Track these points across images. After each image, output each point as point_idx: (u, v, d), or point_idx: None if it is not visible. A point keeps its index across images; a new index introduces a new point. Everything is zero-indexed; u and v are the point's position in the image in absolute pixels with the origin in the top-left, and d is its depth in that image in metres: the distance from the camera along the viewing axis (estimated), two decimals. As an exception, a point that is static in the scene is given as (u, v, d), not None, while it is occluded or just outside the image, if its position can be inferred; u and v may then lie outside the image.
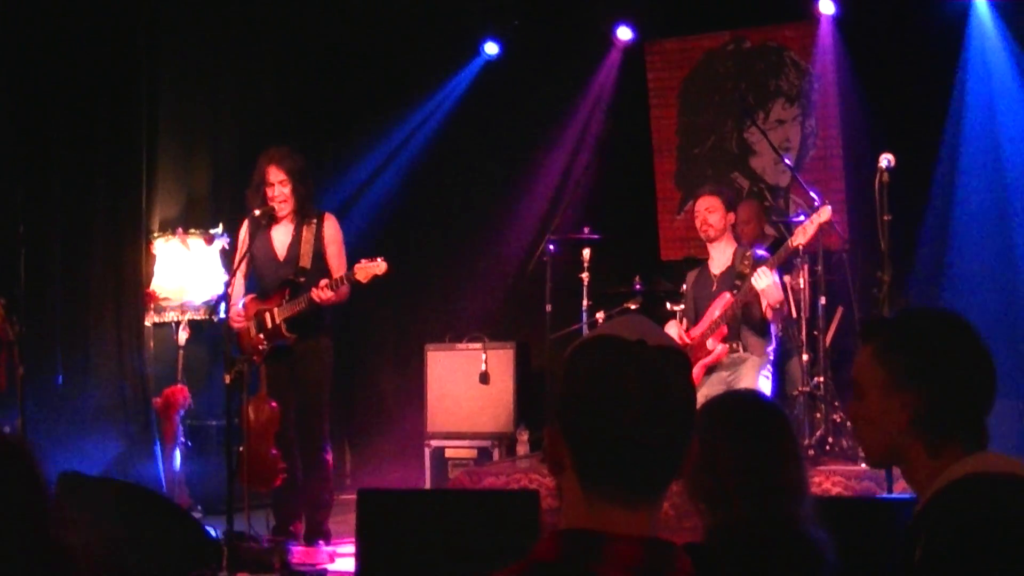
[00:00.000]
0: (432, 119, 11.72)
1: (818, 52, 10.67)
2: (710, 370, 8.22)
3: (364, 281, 7.65)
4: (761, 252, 8.34)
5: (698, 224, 8.41)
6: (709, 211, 8.31)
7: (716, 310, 8.17)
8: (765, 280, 7.82)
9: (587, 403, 1.99)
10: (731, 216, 8.41)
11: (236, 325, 7.93)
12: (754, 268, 7.98)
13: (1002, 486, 2.59)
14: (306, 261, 7.95)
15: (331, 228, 8.10)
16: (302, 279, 7.90)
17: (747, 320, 8.19)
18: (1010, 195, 9.54)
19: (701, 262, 8.73)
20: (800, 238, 7.73)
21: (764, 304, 8.02)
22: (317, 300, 7.71)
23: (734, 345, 8.18)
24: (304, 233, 8.00)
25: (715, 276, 8.40)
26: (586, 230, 9.66)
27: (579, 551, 1.96)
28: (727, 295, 8.13)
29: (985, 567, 2.47)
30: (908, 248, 9.35)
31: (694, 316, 8.47)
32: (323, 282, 7.71)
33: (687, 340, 8.21)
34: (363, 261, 7.66)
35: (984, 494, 2.58)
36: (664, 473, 2.02)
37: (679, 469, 2.04)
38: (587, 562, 1.94)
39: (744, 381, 7.95)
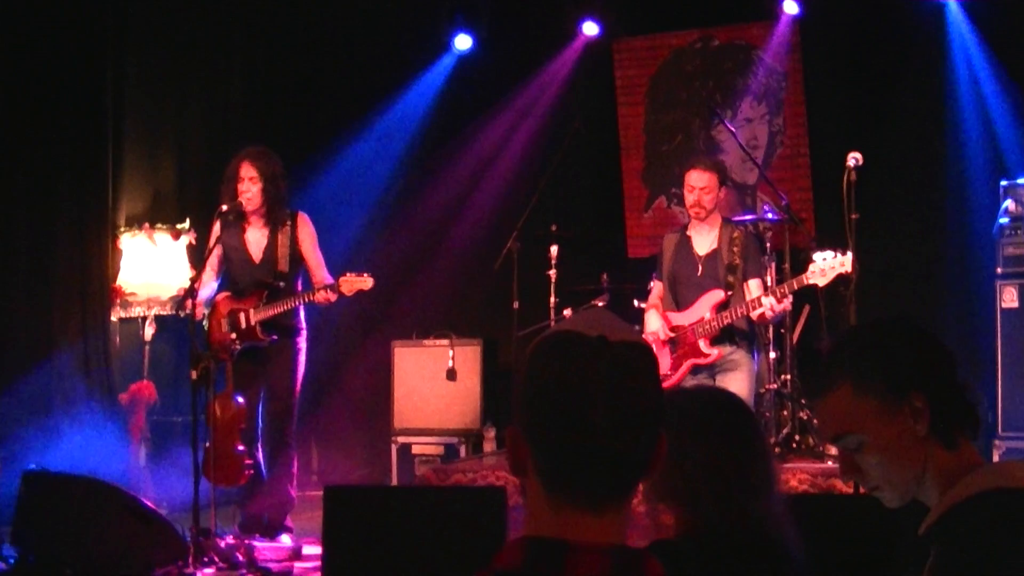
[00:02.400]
0: (399, 115, 11.68)
1: (785, 51, 10.70)
2: (696, 368, 7.90)
3: (348, 294, 7.74)
4: (750, 232, 8.10)
5: (690, 201, 7.90)
6: (705, 191, 7.82)
7: (706, 309, 7.79)
8: (776, 309, 7.60)
9: (548, 405, 1.92)
10: (723, 192, 7.99)
11: (197, 315, 7.92)
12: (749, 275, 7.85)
13: (1013, 505, 2.46)
14: (284, 265, 8.02)
15: (305, 228, 8.17)
16: (281, 284, 7.94)
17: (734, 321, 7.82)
18: (971, 194, 9.59)
19: None
20: (819, 279, 7.38)
21: (757, 316, 7.72)
22: (322, 302, 7.82)
23: (726, 345, 7.81)
24: (279, 237, 8.04)
25: (700, 257, 7.96)
26: (553, 227, 9.67)
27: (542, 561, 1.89)
28: (719, 293, 7.79)
29: None
30: (877, 247, 9.39)
31: (673, 294, 8.08)
32: (321, 287, 7.82)
33: (670, 334, 7.93)
34: (349, 275, 7.75)
35: (1005, 512, 2.45)
36: (631, 476, 1.95)
37: (647, 470, 1.97)
38: (551, 572, 1.87)
39: (734, 383, 7.61)
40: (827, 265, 7.34)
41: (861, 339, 2.71)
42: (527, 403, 1.95)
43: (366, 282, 7.74)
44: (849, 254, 7.27)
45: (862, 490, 5.92)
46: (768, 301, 7.49)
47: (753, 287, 7.76)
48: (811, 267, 7.42)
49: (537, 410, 1.94)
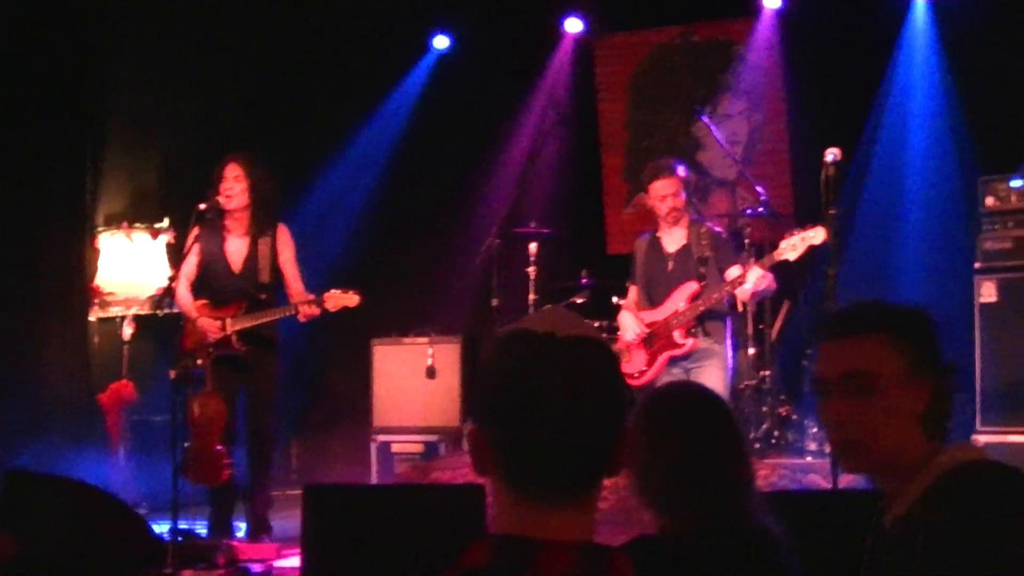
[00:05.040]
0: (380, 115, 11.70)
1: (766, 47, 10.71)
2: (672, 360, 7.96)
3: (333, 310, 7.77)
4: (716, 228, 8.21)
5: (664, 208, 8.00)
6: (674, 195, 7.98)
7: (680, 300, 7.89)
8: (763, 282, 7.63)
9: (498, 401, 1.94)
10: (685, 190, 8.11)
11: (213, 335, 7.89)
12: (727, 262, 7.94)
13: (1000, 471, 2.60)
14: (265, 276, 8.03)
15: (283, 237, 8.16)
16: (264, 296, 7.94)
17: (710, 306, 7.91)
18: (949, 189, 9.62)
19: None
20: (789, 254, 7.45)
21: (750, 295, 7.84)
22: (303, 319, 7.82)
23: (700, 337, 7.87)
24: (260, 247, 8.03)
25: (670, 254, 8.09)
26: (533, 224, 9.65)
27: (508, 560, 1.89)
28: (693, 284, 7.88)
29: (997, 550, 2.44)
30: (857, 242, 9.42)
31: (648, 294, 8.20)
32: (305, 301, 7.82)
33: (645, 330, 8.03)
34: (335, 291, 7.78)
35: (990, 478, 2.58)
36: (588, 470, 1.95)
37: (608, 466, 1.97)
38: (517, 570, 1.87)
39: (709, 377, 7.62)
40: (797, 239, 7.41)
41: (911, 310, 2.78)
42: (482, 401, 1.98)
43: (352, 299, 7.76)
44: (819, 228, 7.31)
45: (840, 484, 5.92)
46: (754, 273, 7.54)
47: (733, 272, 7.81)
48: (782, 243, 7.49)
49: (490, 406, 1.96)
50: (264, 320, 7.86)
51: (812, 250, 7.45)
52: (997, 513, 2.49)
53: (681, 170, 8.13)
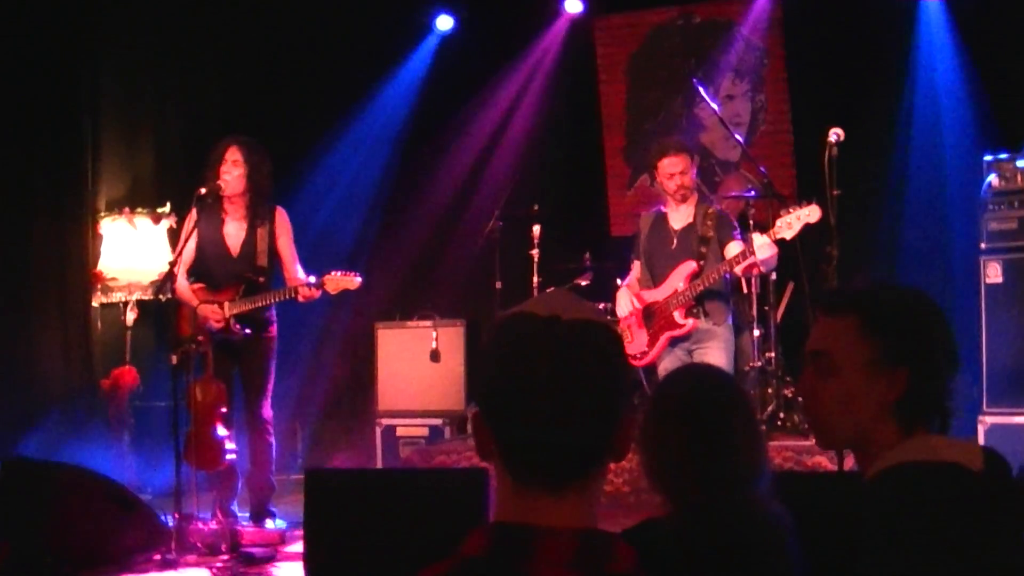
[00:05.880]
0: (382, 97, 11.64)
1: (767, 27, 10.66)
2: (673, 341, 7.97)
3: (333, 293, 7.82)
4: (723, 210, 8.19)
5: (672, 185, 7.97)
6: (683, 172, 7.94)
7: (679, 281, 7.87)
8: (769, 251, 7.57)
9: (496, 389, 1.90)
10: (694, 168, 8.10)
11: (216, 323, 7.85)
12: (733, 236, 7.92)
13: (934, 477, 2.53)
14: (263, 259, 8.01)
15: (281, 219, 8.16)
16: (261, 279, 7.93)
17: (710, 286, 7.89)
18: (954, 169, 9.58)
19: None
20: (786, 232, 7.39)
21: (756, 271, 7.85)
22: (303, 299, 7.83)
23: (702, 318, 7.86)
24: (258, 231, 8.01)
25: (674, 231, 8.06)
26: (535, 207, 9.62)
27: (508, 546, 1.86)
28: (692, 264, 7.85)
29: (905, 560, 2.43)
30: (860, 223, 9.39)
31: (650, 271, 8.18)
32: (303, 283, 7.84)
33: (639, 306, 8.04)
34: (336, 273, 7.79)
35: (917, 483, 2.53)
36: (587, 459, 1.91)
37: (609, 451, 1.93)
38: (517, 558, 1.84)
39: (711, 358, 7.66)
40: (792, 218, 7.39)
41: (894, 294, 2.75)
42: (482, 386, 1.94)
43: (352, 281, 7.78)
44: (814, 205, 7.29)
45: (846, 467, 5.89)
46: (759, 239, 7.50)
47: (733, 247, 7.79)
48: (778, 222, 7.47)
49: (489, 393, 1.92)
50: (262, 303, 7.85)
51: (809, 228, 7.43)
52: (893, 522, 2.47)
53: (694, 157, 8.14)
